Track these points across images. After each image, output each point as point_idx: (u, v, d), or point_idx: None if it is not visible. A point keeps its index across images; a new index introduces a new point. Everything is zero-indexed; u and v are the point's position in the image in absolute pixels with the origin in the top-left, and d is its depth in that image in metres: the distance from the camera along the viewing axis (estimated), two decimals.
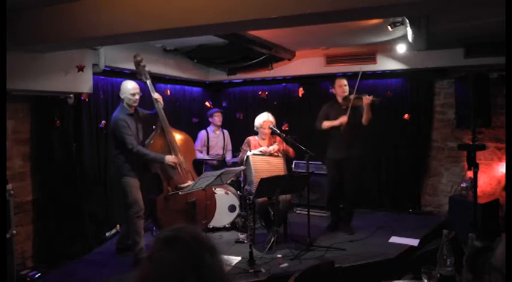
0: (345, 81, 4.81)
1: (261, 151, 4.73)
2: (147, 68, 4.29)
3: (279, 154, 4.81)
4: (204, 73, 6.55)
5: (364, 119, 4.68)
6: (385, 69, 5.80)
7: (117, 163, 4.11)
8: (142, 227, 4.10)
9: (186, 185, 4.20)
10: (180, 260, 1.05)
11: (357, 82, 4.66)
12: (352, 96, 4.67)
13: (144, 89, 4.25)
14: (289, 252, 4.15)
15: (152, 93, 4.23)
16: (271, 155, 4.73)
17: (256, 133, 4.94)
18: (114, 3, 3.03)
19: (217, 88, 7.07)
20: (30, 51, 3.56)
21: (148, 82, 4.24)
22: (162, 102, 4.28)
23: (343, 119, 4.65)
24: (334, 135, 4.75)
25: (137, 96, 4.12)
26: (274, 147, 4.76)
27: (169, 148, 4.23)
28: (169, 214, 4.14)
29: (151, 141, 4.22)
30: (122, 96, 4.12)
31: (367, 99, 4.59)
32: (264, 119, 4.79)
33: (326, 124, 4.78)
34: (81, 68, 4.11)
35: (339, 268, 3.63)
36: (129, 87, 4.10)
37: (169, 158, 4.14)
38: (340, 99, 4.81)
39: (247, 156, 4.65)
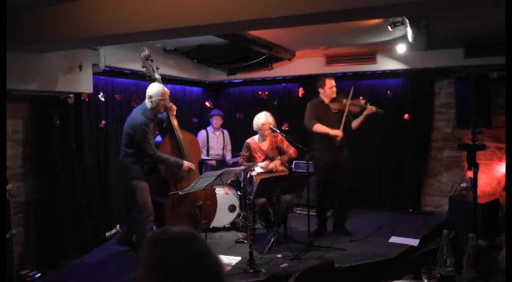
0: (333, 82, 4.63)
1: (262, 167, 4.70)
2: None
3: (283, 168, 4.77)
4: (204, 73, 6.55)
5: (356, 125, 4.59)
6: (385, 69, 5.80)
7: (129, 165, 3.91)
8: (149, 231, 3.96)
9: None
10: (178, 261, 1.06)
11: (351, 91, 4.55)
12: (346, 101, 4.54)
13: None
14: (289, 252, 4.15)
15: None
16: (274, 171, 4.69)
17: (256, 133, 4.93)
18: (114, 3, 3.03)
19: (217, 88, 7.07)
20: (30, 51, 3.56)
21: (158, 77, 4.12)
22: (174, 110, 4.22)
23: (339, 134, 4.47)
24: (324, 138, 4.55)
25: (165, 103, 3.95)
26: (275, 164, 4.72)
27: (179, 151, 4.16)
28: (176, 217, 4.09)
29: (164, 141, 4.15)
30: (152, 99, 3.87)
31: (370, 109, 4.48)
32: (262, 121, 4.72)
33: (320, 128, 4.53)
34: (79, 68, 4.10)
35: (339, 268, 3.63)
36: (159, 91, 3.88)
37: (186, 164, 4.05)
38: (327, 100, 4.63)
39: (251, 177, 4.66)
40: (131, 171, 3.90)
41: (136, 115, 3.88)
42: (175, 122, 4.20)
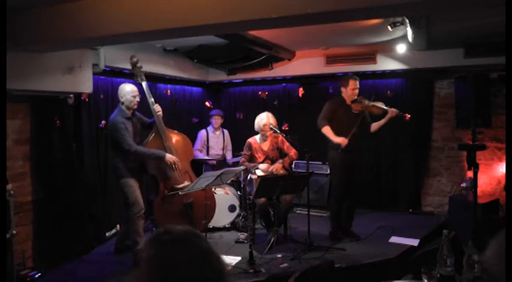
0: (358, 84, 4.55)
1: (263, 171, 4.69)
2: (146, 69, 4.32)
3: (284, 172, 4.76)
4: (204, 73, 6.55)
5: (376, 129, 4.55)
6: (385, 69, 5.80)
7: (115, 164, 4.13)
8: (142, 227, 4.11)
9: (182, 185, 4.20)
10: (185, 260, 1.05)
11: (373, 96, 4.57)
12: (368, 103, 4.48)
13: (140, 90, 4.25)
14: (289, 252, 4.15)
15: (148, 96, 4.24)
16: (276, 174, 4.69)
17: (256, 133, 4.92)
18: (114, 3, 3.02)
19: (217, 88, 7.08)
20: (30, 51, 3.56)
21: (144, 84, 4.26)
22: (161, 113, 4.30)
23: (344, 142, 4.36)
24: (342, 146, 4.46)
25: (137, 99, 4.15)
26: (276, 167, 4.72)
27: (165, 149, 4.22)
28: (166, 215, 4.14)
29: (148, 141, 4.22)
30: (121, 100, 4.12)
31: (392, 112, 4.43)
32: (264, 122, 4.73)
33: (326, 131, 4.47)
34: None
35: (339, 268, 3.63)
36: (129, 89, 4.11)
37: (169, 156, 4.14)
38: (348, 101, 4.56)
39: (251, 179, 4.64)
40: (117, 170, 4.09)
41: (113, 116, 4.11)
42: (162, 124, 4.27)
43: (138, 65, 4.27)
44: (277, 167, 4.73)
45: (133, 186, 4.06)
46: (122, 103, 4.12)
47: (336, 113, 4.56)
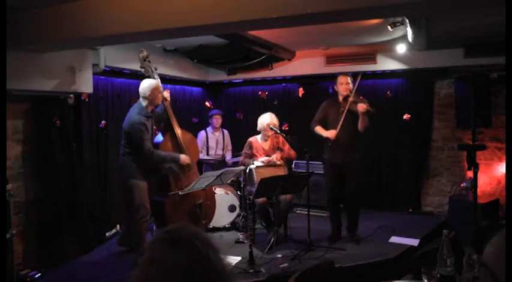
0: (347, 79, 4.45)
1: (263, 162, 4.71)
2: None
3: (282, 163, 4.77)
4: (204, 73, 6.55)
5: (359, 126, 4.40)
6: (385, 69, 5.80)
7: (126, 163, 3.99)
8: (146, 230, 4.07)
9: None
10: (187, 260, 1.05)
11: (356, 84, 4.42)
12: (351, 99, 4.39)
13: None
14: (289, 252, 4.14)
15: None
16: (274, 164, 4.69)
17: (257, 133, 4.93)
18: (114, 3, 3.03)
19: (217, 88, 7.08)
20: (30, 51, 3.56)
21: (157, 77, 4.20)
22: (169, 99, 4.29)
23: (331, 134, 4.39)
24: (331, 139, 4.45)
25: (164, 94, 4.15)
26: (276, 156, 4.74)
27: (180, 149, 4.21)
28: (177, 216, 4.11)
29: (162, 142, 4.20)
30: (145, 95, 3.96)
31: (361, 106, 4.27)
32: (267, 121, 4.74)
33: (318, 130, 4.56)
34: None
35: (339, 268, 3.63)
36: (155, 85, 4.00)
37: (184, 157, 4.13)
38: (341, 99, 4.51)
39: (251, 170, 4.65)
40: (129, 169, 3.98)
41: (132, 114, 3.97)
42: (172, 116, 4.24)
43: (148, 59, 4.20)
44: (277, 157, 4.74)
45: (143, 189, 3.97)
46: (146, 99, 3.97)
47: (327, 112, 4.59)
